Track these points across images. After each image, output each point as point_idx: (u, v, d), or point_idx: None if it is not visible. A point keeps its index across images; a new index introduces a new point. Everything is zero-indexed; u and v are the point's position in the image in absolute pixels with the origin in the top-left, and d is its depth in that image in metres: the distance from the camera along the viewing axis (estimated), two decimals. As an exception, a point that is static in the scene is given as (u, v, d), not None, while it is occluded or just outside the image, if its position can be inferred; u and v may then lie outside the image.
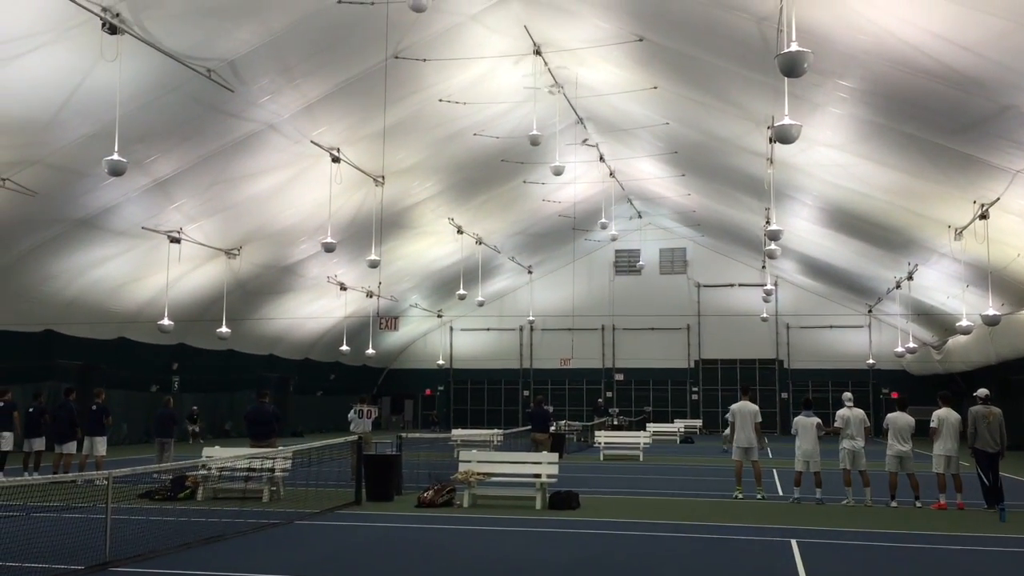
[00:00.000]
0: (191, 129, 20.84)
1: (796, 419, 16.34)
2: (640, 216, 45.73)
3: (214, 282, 29.15)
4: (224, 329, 28.16)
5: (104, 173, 16.46)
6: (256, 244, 28.52)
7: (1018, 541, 11.71)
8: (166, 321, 25.87)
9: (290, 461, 16.33)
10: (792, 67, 11.48)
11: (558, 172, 23.69)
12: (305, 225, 28.19)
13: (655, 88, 23.13)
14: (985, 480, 14.73)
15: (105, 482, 10.38)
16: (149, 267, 26.24)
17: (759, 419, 16.43)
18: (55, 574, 8.79)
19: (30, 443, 19.28)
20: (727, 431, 15.85)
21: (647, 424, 39.86)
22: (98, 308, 27.12)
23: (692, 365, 49.43)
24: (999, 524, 13.07)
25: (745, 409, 16.44)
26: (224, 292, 28.70)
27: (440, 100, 23.61)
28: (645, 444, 27.79)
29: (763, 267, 40.47)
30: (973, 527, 12.86)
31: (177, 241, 25.14)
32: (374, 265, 25.88)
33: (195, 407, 35.11)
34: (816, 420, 16.04)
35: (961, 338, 30.73)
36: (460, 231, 34.15)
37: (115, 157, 15.72)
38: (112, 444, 21.69)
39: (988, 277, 22.10)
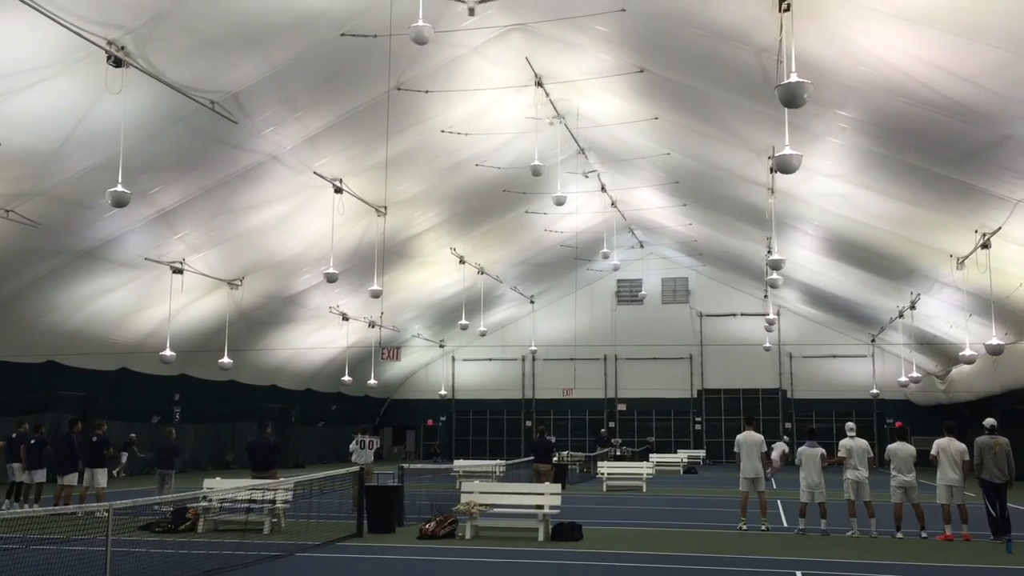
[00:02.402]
0: (195, 160, 20.95)
1: (800, 449, 16.27)
2: (642, 246, 45.81)
3: (216, 312, 29.15)
4: (226, 360, 28.12)
5: (108, 204, 16.53)
6: (258, 274, 28.55)
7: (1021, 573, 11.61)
8: (168, 352, 25.83)
9: (291, 492, 16.24)
10: (792, 98, 11.56)
11: (560, 202, 23.77)
12: (307, 255, 28.24)
13: (655, 119, 23.25)
14: (992, 511, 14.62)
15: (105, 514, 10.31)
16: (151, 298, 26.25)
17: (764, 449, 16.39)
18: (54, 607, 8.71)
19: (31, 475, 19.22)
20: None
21: (650, 454, 39.64)
22: (100, 339, 27.10)
23: (695, 395, 49.25)
24: (1006, 556, 12.96)
25: (751, 440, 16.38)
26: (226, 323, 28.68)
27: (442, 131, 23.74)
28: (648, 475, 27.62)
29: (765, 296, 40.47)
30: (979, 559, 12.75)
31: (180, 272, 25.16)
32: (376, 295, 25.89)
33: (133, 435, 30.80)
34: (820, 451, 15.96)
35: (965, 367, 30.65)
36: (462, 261, 34.20)
37: (119, 188, 15.79)
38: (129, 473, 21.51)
39: (991, 306, 22.09)
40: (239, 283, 28.16)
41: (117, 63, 15.31)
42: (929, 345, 35.47)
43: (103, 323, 26.87)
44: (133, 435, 30.98)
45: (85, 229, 21.75)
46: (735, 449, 16.64)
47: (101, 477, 18.93)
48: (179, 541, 13.75)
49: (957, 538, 14.66)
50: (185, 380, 33.20)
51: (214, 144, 20.43)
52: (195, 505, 15.75)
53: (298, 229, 26.39)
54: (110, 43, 15.11)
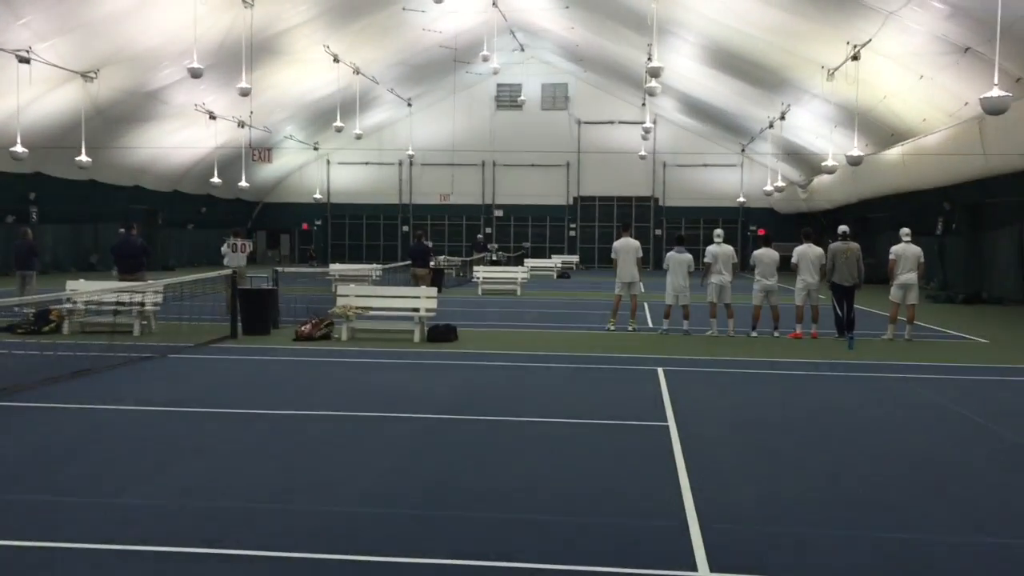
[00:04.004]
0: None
1: (668, 255, 16.80)
2: (523, 49, 44.88)
3: (71, 107, 27.34)
4: (83, 158, 26.65)
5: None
6: (115, 67, 26.68)
7: (861, 367, 12.62)
8: (19, 148, 24.25)
9: (161, 295, 15.94)
10: None
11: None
12: (169, 48, 26.46)
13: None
14: (839, 312, 15.68)
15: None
16: (-4, 89, 24.32)
17: (640, 254, 16.87)
18: (-89, 410, 8.44)
19: None
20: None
21: (525, 260, 40.53)
22: (-59, 133, 25.18)
23: (571, 202, 50.08)
24: (847, 352, 14.02)
25: (628, 246, 16.80)
26: (82, 118, 26.98)
27: (313, -86, 22.11)
28: (523, 279, 28.30)
29: (643, 105, 40.68)
30: (824, 354, 13.76)
31: (27, 61, 23.26)
32: (245, 93, 24.75)
33: None
34: (688, 257, 16.53)
35: (826, 178, 32.00)
36: (336, 60, 32.77)
37: (-53, -37, 14.18)
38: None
39: (855, 118, 22.85)
40: (94, 76, 26.30)
41: None
42: (795, 155, 36.76)
43: (-57, 116, 24.88)
44: None
45: (-88, 10, 19.67)
46: (612, 256, 17.07)
47: None
48: (43, 343, 13.40)
49: (806, 336, 15.75)
50: (41, 179, 31.50)
51: (56, -83, 18.46)
52: (59, 307, 15.29)
53: (157, 18, 24.56)
54: None
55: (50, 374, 10.52)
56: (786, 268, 16.79)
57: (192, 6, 22.49)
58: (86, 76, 26.18)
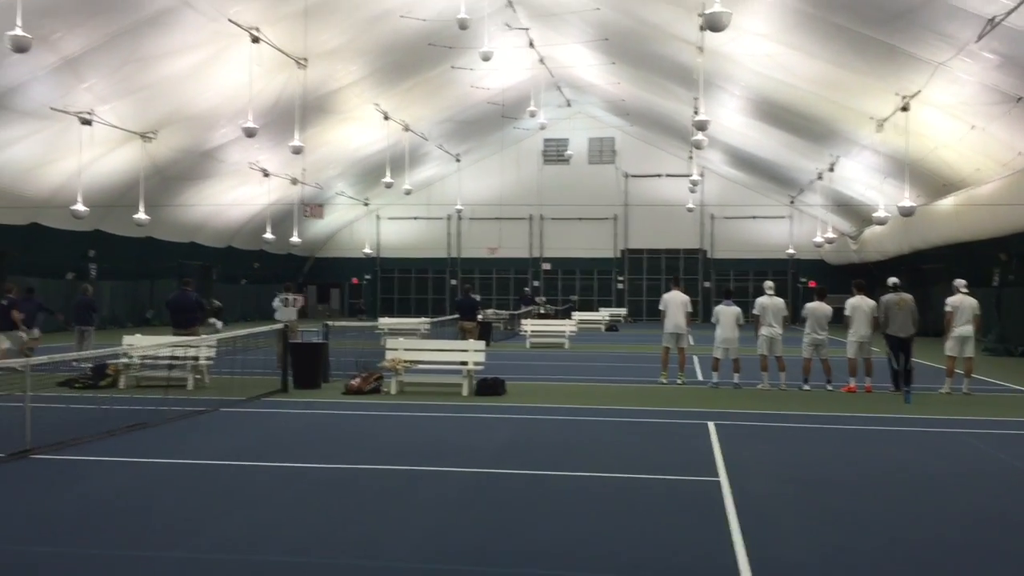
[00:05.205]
0: (100, 3, 19.74)
1: (717, 308, 16.74)
2: (569, 104, 45.33)
3: (130, 167, 28.16)
4: (142, 215, 27.37)
5: (7, 49, 15.55)
6: (173, 128, 27.50)
7: (919, 421, 12.33)
8: (80, 207, 25.00)
9: (215, 349, 16.18)
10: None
11: (486, 58, 23.19)
12: (225, 108, 27.22)
13: (586, -29, 22.61)
14: (894, 364, 15.38)
15: (23, 370, 10.14)
16: (60, 150, 25.17)
17: (689, 308, 16.86)
18: (-27, 462, 8.64)
19: None
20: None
21: (573, 313, 40.46)
22: (7, 192, 26.04)
23: (618, 255, 50.05)
24: (903, 405, 13.73)
25: (676, 298, 16.78)
26: (140, 177, 27.77)
27: (365, -22, 22.74)
28: (571, 332, 28.23)
29: (690, 157, 40.74)
30: (879, 408, 13.48)
31: (89, 123, 24.09)
32: (297, 151, 25.27)
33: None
34: (737, 310, 16.44)
35: (877, 228, 31.62)
36: (386, 117, 33.42)
37: (18, 32, 14.84)
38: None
39: (906, 169, 22.63)
40: (153, 136, 27.13)
41: None
42: (845, 207, 36.42)
43: (10, 176, 25.76)
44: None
45: (-16, 76, 20.54)
46: (660, 307, 17.03)
47: (3, 341, 18.37)
48: (100, 397, 13.65)
49: (860, 389, 15.46)
50: (100, 236, 32.35)
51: (119, -14, 19.23)
52: (116, 361, 15.59)
53: (214, 80, 25.33)
54: None
55: (107, 428, 10.71)
56: (837, 320, 16.57)
57: (247, 68, 23.16)
58: (145, 136, 27.01)
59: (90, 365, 16.03)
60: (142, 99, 25.01)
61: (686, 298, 16.94)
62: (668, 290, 17.22)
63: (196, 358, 15.61)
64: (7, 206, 26.26)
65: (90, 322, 19.54)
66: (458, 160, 45.85)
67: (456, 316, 24.23)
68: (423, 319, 31.06)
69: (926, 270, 34.22)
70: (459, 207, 45.16)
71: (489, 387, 14.82)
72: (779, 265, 46.18)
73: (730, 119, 31.79)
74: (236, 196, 36.10)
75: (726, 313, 16.38)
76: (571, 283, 50.49)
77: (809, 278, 44.47)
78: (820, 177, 33.54)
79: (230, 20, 21.98)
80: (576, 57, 33.54)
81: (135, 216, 27.39)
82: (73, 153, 24.68)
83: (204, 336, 16.55)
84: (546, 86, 37.13)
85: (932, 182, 26.03)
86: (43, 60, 20.56)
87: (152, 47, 22.30)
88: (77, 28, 20.22)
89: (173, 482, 8.34)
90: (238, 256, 43.05)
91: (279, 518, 6.98)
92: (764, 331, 16.00)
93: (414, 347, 16.26)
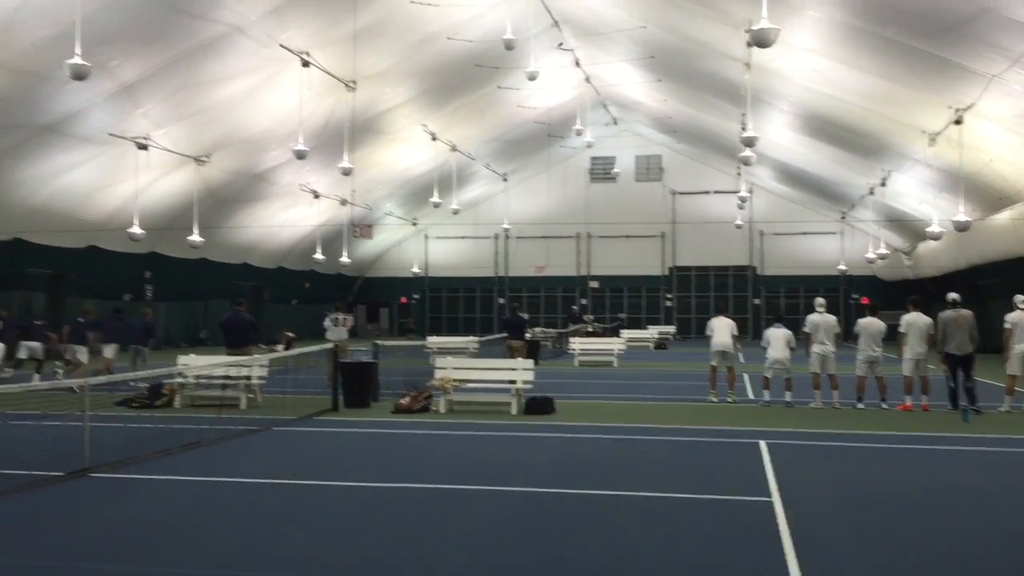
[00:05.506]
0: (155, 31, 20.25)
1: (767, 331, 16.56)
2: (616, 122, 45.33)
3: (184, 189, 28.75)
4: (196, 237, 27.91)
5: (67, 77, 16.01)
6: (226, 151, 28.05)
7: (977, 440, 12.06)
8: (136, 229, 25.58)
9: (267, 369, 16.39)
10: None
11: (532, 77, 23.31)
12: (276, 132, 27.70)
13: (632, -11, 22.66)
14: (952, 383, 15.04)
15: (80, 391, 10.38)
16: (117, 174, 25.80)
17: (735, 333, 16.80)
18: (36, 480, 8.84)
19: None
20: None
21: (621, 331, 40.28)
22: (66, 216, 26.74)
23: (666, 272, 49.78)
24: (962, 424, 13.43)
25: (723, 322, 16.72)
26: (195, 200, 28.33)
27: (412, 1, 23.00)
28: (619, 350, 28.11)
29: (738, 174, 40.45)
30: (936, 427, 13.21)
31: (145, 148, 24.68)
32: (347, 172, 25.57)
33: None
34: (788, 333, 16.26)
35: (931, 243, 31.04)
36: (434, 138, 33.73)
37: (77, 60, 15.27)
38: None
39: (960, 183, 22.23)
40: (206, 159, 27.69)
41: (68, -74, 14.56)
42: (897, 222, 35.84)
43: (69, 200, 26.45)
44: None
45: (45, 102, 21.15)
46: (707, 332, 16.92)
47: (81, 355, 19.10)
48: (156, 416, 13.92)
49: (916, 408, 15.15)
50: (156, 258, 33.01)
51: (175, 14, 19.72)
52: (171, 381, 15.87)
53: (265, 104, 25.80)
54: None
55: (163, 447, 10.90)
56: (891, 338, 16.27)
57: (298, 91, 23.56)
58: (199, 160, 27.58)
59: (146, 385, 16.33)
60: (196, 124, 25.57)
61: (732, 323, 16.87)
62: (715, 315, 17.18)
63: (249, 377, 15.83)
64: (66, 229, 26.94)
65: (146, 343, 19.99)
66: (505, 179, 46.04)
67: (504, 335, 24.25)
68: (471, 338, 31.14)
69: (983, 285, 33.48)
70: (506, 226, 45.29)
71: (538, 406, 14.80)
72: (831, 282, 45.53)
73: (778, 135, 31.52)
74: (287, 217, 36.63)
75: (776, 336, 16.21)
76: (619, 301, 50.30)
77: (861, 294, 43.77)
78: (871, 192, 33.07)
79: (281, 45, 22.40)
80: (622, 75, 33.56)
81: (189, 238, 27.94)
82: (130, 177, 25.28)
83: (256, 356, 16.77)
84: (592, 104, 37.18)
85: (987, 196, 25.53)
86: (101, 87, 21.13)
87: (206, 73, 22.81)
88: (133, 56, 20.76)
89: (227, 500, 8.46)
90: (289, 276, 43.61)
91: (332, 537, 7.05)
92: (816, 348, 15.77)
93: (463, 366, 16.31)
